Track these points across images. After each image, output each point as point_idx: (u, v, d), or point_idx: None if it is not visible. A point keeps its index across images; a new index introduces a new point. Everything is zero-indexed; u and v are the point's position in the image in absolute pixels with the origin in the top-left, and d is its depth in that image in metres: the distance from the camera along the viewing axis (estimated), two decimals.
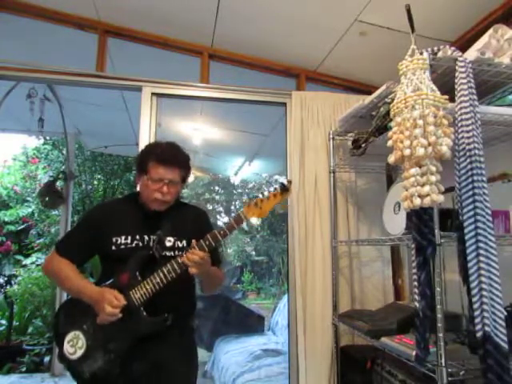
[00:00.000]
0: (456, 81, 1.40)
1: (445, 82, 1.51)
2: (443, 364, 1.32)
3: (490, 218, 1.28)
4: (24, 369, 4.03)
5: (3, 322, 4.55)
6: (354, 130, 2.22)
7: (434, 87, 1.27)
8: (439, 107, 1.24)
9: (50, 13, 2.38)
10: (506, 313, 1.25)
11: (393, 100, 1.34)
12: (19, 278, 5.08)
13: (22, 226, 6.02)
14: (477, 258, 1.26)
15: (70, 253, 1.51)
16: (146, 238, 1.49)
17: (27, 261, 5.46)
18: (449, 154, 1.22)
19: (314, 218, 2.36)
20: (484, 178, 1.30)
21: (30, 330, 4.63)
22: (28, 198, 6.28)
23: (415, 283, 1.37)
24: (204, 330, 4.59)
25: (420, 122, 1.21)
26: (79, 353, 1.41)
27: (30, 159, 6.77)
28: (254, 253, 9.42)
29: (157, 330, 1.41)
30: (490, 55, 1.48)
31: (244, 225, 9.17)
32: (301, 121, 2.45)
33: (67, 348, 1.43)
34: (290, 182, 1.45)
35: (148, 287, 1.39)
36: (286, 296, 3.54)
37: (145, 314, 1.40)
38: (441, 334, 1.33)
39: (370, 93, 2.12)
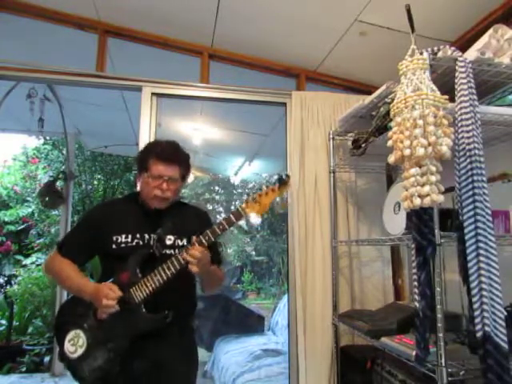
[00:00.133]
0: (456, 81, 1.40)
1: (445, 82, 1.51)
2: (443, 364, 1.32)
3: (490, 218, 1.28)
4: (24, 369, 4.03)
5: (3, 321, 4.55)
6: (353, 130, 2.22)
7: (434, 87, 1.27)
8: (439, 107, 1.24)
9: (50, 13, 2.38)
10: (506, 313, 1.25)
11: (393, 100, 1.34)
12: (19, 278, 5.08)
13: (22, 226, 6.02)
14: (477, 258, 1.25)
15: (71, 253, 1.52)
16: (147, 236, 1.49)
17: (27, 261, 5.46)
18: (449, 153, 1.22)
19: (314, 218, 2.36)
20: (484, 178, 1.30)
21: (30, 330, 4.63)
22: (28, 198, 6.28)
23: (415, 283, 1.37)
24: (204, 329, 4.59)
25: (420, 122, 1.21)
26: (80, 351, 1.41)
27: (29, 159, 6.77)
28: (253, 253, 9.42)
29: (157, 327, 1.41)
30: (489, 55, 1.48)
31: (244, 225, 9.18)
32: (301, 121, 2.45)
33: (68, 347, 1.43)
34: (288, 175, 1.44)
35: (148, 284, 1.39)
36: (285, 296, 3.54)
37: (144, 310, 1.40)
38: (441, 334, 1.33)
39: (370, 93, 2.12)
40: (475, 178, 1.29)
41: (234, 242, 9.19)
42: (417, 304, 1.35)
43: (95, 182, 6.63)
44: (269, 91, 2.54)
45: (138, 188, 1.57)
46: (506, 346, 1.20)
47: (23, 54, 2.57)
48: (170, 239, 1.51)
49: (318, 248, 2.33)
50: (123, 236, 1.48)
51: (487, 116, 1.49)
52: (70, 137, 4.49)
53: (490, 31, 1.51)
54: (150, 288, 1.39)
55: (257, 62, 2.64)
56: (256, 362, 3.50)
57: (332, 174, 2.35)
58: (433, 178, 1.22)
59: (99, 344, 1.40)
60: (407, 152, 1.23)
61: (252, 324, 4.84)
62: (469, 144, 1.31)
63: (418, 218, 1.34)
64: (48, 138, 6.19)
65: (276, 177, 1.45)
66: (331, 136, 2.38)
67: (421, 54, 1.34)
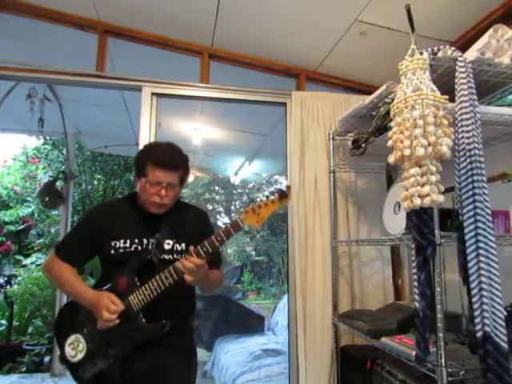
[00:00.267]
0: (456, 81, 1.40)
1: (445, 82, 1.51)
2: (443, 364, 1.32)
3: (490, 218, 1.28)
4: (24, 369, 4.03)
5: (3, 321, 4.55)
6: (354, 130, 2.22)
7: (434, 87, 1.27)
8: (439, 107, 1.24)
9: (50, 13, 2.38)
10: (506, 313, 1.25)
11: (393, 100, 1.34)
12: (19, 278, 5.07)
13: (22, 226, 6.02)
14: (477, 258, 1.26)
15: (70, 255, 1.52)
16: (145, 241, 1.48)
17: (27, 261, 5.45)
18: (449, 153, 1.22)
19: (314, 218, 2.36)
20: (484, 178, 1.30)
21: (30, 330, 4.63)
22: (28, 198, 6.28)
23: (415, 283, 1.37)
24: (204, 330, 4.59)
25: (420, 122, 1.21)
26: (80, 356, 1.41)
27: (30, 159, 6.77)
28: (253, 253, 9.41)
29: (155, 337, 1.41)
30: (489, 55, 1.48)
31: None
32: (301, 121, 2.45)
33: (68, 351, 1.43)
34: (289, 187, 1.42)
35: (146, 293, 1.39)
36: (285, 296, 3.54)
37: (143, 320, 1.40)
38: (441, 334, 1.33)
39: (370, 93, 2.12)
40: (475, 177, 1.29)
41: (234, 242, 9.18)
42: (417, 304, 1.35)
43: (95, 182, 6.63)
44: (269, 91, 2.54)
45: (137, 190, 1.56)
46: (506, 345, 1.20)
47: (23, 53, 2.57)
48: (168, 244, 1.49)
49: (318, 248, 2.33)
50: (121, 241, 1.46)
51: (487, 116, 1.49)
52: (70, 137, 4.49)
53: (490, 31, 1.51)
54: (148, 298, 1.39)
55: (257, 62, 2.63)
56: (256, 362, 3.51)
57: (332, 174, 2.35)
58: (433, 178, 1.22)
59: (99, 349, 1.40)
60: (407, 152, 1.23)
61: (252, 324, 4.84)
62: (469, 144, 1.31)
63: (418, 218, 1.34)
64: (48, 137, 6.19)
65: (278, 188, 1.44)
66: (331, 136, 2.38)
67: (421, 54, 1.34)
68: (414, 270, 1.37)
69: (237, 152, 4.87)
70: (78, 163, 5.98)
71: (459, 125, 1.35)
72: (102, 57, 2.42)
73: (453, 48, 1.47)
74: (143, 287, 1.40)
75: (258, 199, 1.42)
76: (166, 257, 1.47)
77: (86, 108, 3.81)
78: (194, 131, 3.94)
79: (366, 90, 2.62)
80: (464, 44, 1.93)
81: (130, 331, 1.39)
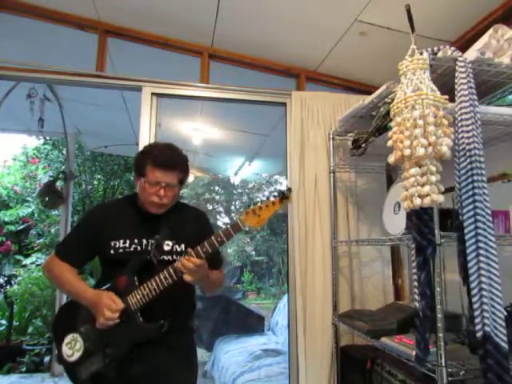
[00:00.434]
0: (456, 81, 1.40)
1: (445, 82, 1.51)
2: (443, 364, 1.32)
3: (490, 218, 1.28)
4: (24, 369, 4.03)
5: (3, 322, 4.54)
6: (354, 129, 2.22)
7: (434, 87, 1.27)
8: (439, 107, 1.24)
9: (50, 13, 2.38)
10: (506, 313, 1.25)
11: (393, 100, 1.34)
12: (19, 278, 5.07)
13: (22, 226, 6.01)
14: (477, 258, 1.26)
15: (70, 256, 1.52)
16: (145, 241, 1.48)
17: (27, 261, 5.45)
18: (449, 153, 1.22)
19: (314, 218, 2.36)
20: (484, 178, 1.30)
21: (30, 330, 4.63)
22: (28, 198, 6.28)
23: (415, 283, 1.37)
24: (204, 330, 4.59)
25: (420, 122, 1.21)
26: (77, 355, 1.41)
27: (30, 159, 6.77)
28: (253, 253, 9.41)
29: (153, 337, 1.41)
30: (489, 55, 1.48)
31: None
32: (301, 121, 2.45)
33: (65, 350, 1.43)
34: (289, 189, 1.44)
35: (145, 293, 1.39)
36: (285, 296, 3.54)
37: (141, 319, 1.40)
38: (441, 334, 1.33)
39: (370, 93, 2.12)
40: (475, 177, 1.29)
41: (234, 242, 9.18)
42: (417, 304, 1.35)
43: (95, 182, 6.63)
44: (269, 91, 2.54)
45: (137, 190, 1.56)
46: (506, 345, 1.20)
47: (23, 53, 2.57)
48: (168, 245, 1.49)
49: (318, 248, 2.33)
50: (121, 241, 1.47)
51: (487, 116, 1.49)
52: (70, 137, 4.49)
53: (490, 31, 1.51)
54: (147, 297, 1.39)
55: (257, 62, 2.63)
56: (256, 362, 3.51)
57: (332, 174, 2.35)
58: (433, 178, 1.22)
59: (96, 349, 1.40)
60: (407, 152, 1.23)
61: (252, 324, 4.84)
62: (469, 144, 1.31)
63: (418, 218, 1.34)
64: (48, 137, 6.19)
65: (279, 190, 1.45)
66: (331, 136, 2.38)
67: (421, 54, 1.34)
68: (414, 270, 1.37)
69: (237, 152, 4.87)
70: (78, 163, 5.98)
71: (459, 125, 1.35)
72: (101, 57, 2.42)
73: (453, 48, 1.47)
74: (142, 287, 1.40)
75: (258, 199, 1.42)
76: (165, 258, 1.47)
77: (86, 108, 3.81)
78: (194, 131, 3.93)
79: (366, 89, 2.62)
80: (464, 44, 1.93)
81: (127, 331, 1.39)
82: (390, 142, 1.32)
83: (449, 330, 1.44)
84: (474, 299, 1.24)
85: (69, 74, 2.35)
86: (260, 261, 9.29)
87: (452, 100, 1.36)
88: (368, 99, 1.99)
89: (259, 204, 1.41)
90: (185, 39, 2.52)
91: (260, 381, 3.18)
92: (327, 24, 2.19)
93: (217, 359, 4.01)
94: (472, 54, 1.47)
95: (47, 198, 4.21)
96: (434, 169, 1.23)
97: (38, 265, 5.23)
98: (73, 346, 1.42)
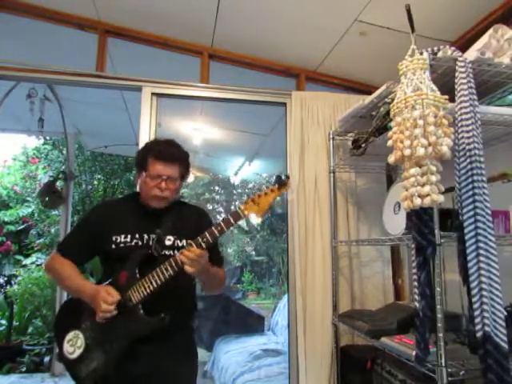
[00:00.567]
0: (456, 81, 1.40)
1: (445, 82, 1.51)
2: (443, 364, 1.32)
3: (490, 218, 1.28)
4: (24, 369, 4.03)
5: (3, 322, 4.55)
6: (354, 130, 2.22)
7: (434, 87, 1.27)
8: (439, 107, 1.24)
9: (50, 13, 2.38)
10: (506, 313, 1.25)
11: (393, 100, 1.34)
12: (19, 278, 5.07)
13: (22, 226, 6.02)
14: (477, 258, 1.26)
15: (72, 253, 1.52)
16: (146, 236, 1.49)
17: (27, 261, 5.45)
18: (449, 153, 1.22)
19: (314, 218, 2.36)
20: (484, 178, 1.30)
21: (30, 330, 4.63)
22: (28, 198, 6.28)
23: (415, 283, 1.37)
24: (204, 330, 4.59)
25: (420, 122, 1.21)
26: (78, 352, 1.41)
27: (30, 159, 6.77)
28: (253, 253, 9.41)
29: (154, 330, 1.41)
30: (489, 55, 1.48)
31: (244, 225, 9.17)
32: (301, 121, 2.45)
33: (67, 348, 1.43)
34: (287, 176, 1.44)
35: (146, 286, 1.39)
36: (285, 296, 3.54)
37: (142, 312, 1.40)
38: (441, 334, 1.33)
39: (370, 93, 2.12)
40: (475, 177, 1.29)
41: (234, 242, 9.19)
42: (417, 304, 1.35)
43: (95, 182, 6.63)
44: (269, 91, 2.54)
45: (138, 188, 1.57)
46: (506, 345, 1.20)
47: (23, 54, 2.57)
48: (169, 240, 1.50)
49: (318, 248, 2.33)
50: (122, 236, 1.47)
51: (487, 116, 1.49)
52: (70, 137, 4.49)
53: (490, 31, 1.51)
54: (148, 290, 1.39)
55: (257, 62, 2.63)
56: (256, 362, 3.51)
57: (332, 174, 2.35)
58: (433, 178, 1.22)
59: (97, 345, 1.40)
60: (407, 152, 1.23)
61: (252, 324, 4.84)
62: (469, 144, 1.31)
63: (418, 218, 1.34)
64: (48, 138, 6.19)
65: (276, 175, 1.45)
66: (331, 136, 2.38)
67: (421, 54, 1.34)
68: (414, 270, 1.37)
69: (237, 152, 4.87)
70: (78, 163, 5.99)
71: (459, 125, 1.35)
72: (102, 57, 2.42)
73: (453, 48, 1.47)
74: (143, 279, 1.40)
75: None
76: (166, 252, 1.48)
77: (85, 108, 3.81)
78: (194, 131, 3.93)
79: (366, 89, 2.62)
80: (464, 44, 1.93)
81: (129, 324, 1.39)
82: (390, 142, 1.32)
83: (449, 330, 1.44)
84: (473, 299, 1.24)
85: (69, 74, 2.35)
86: (260, 261, 9.30)
87: (452, 100, 1.36)
88: (368, 99, 1.99)
89: (258, 192, 1.42)
90: (185, 39, 2.52)
91: (260, 381, 3.18)
92: (327, 24, 2.19)
93: (217, 359, 4.01)
94: (472, 53, 1.47)
95: (47, 198, 4.21)
96: (434, 169, 1.23)
97: (38, 265, 5.23)
98: (74, 343, 1.42)
